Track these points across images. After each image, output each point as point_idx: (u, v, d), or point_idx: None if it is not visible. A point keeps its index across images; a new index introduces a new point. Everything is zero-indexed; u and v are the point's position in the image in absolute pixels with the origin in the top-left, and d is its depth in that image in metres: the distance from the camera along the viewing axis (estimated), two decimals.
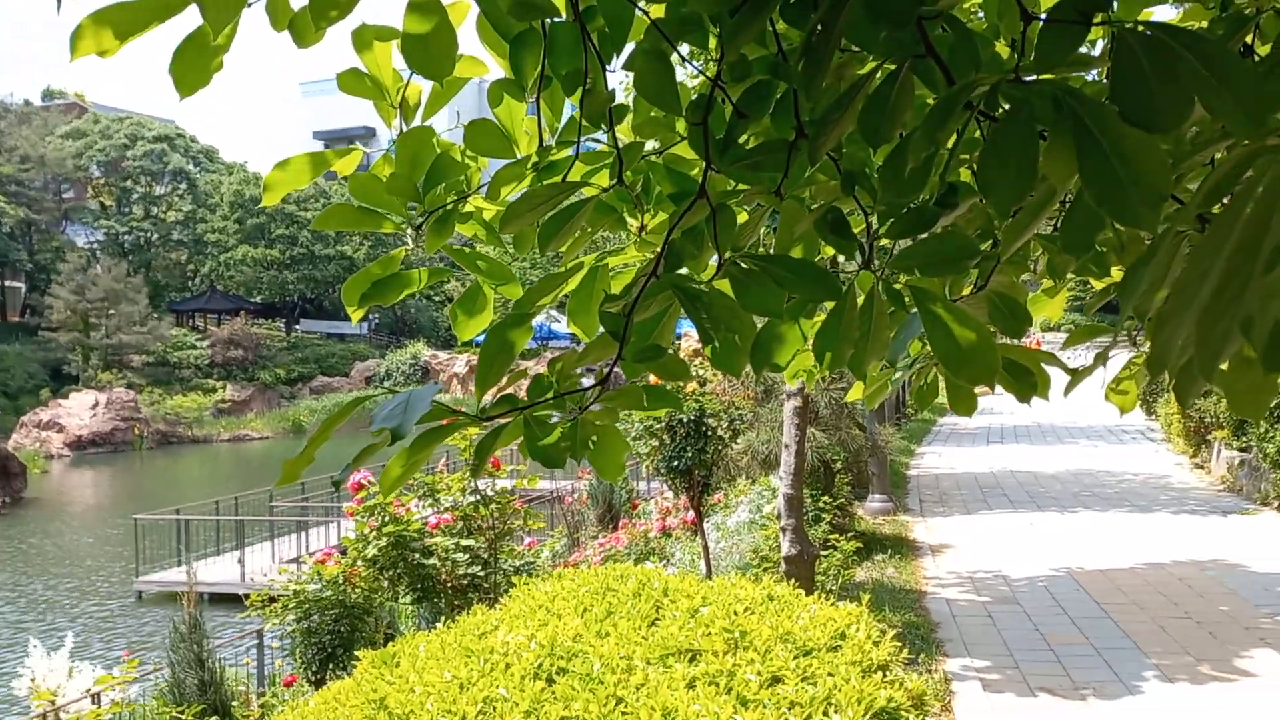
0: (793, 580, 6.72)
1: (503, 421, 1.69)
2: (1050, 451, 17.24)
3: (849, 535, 9.20)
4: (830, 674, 3.26)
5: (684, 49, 1.72)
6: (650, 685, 3.11)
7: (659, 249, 1.70)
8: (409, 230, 2.05)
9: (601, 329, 1.78)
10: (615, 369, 1.76)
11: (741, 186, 1.75)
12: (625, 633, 3.63)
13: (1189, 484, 13.54)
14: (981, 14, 2.23)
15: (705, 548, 8.52)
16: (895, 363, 2.36)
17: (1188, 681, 6.14)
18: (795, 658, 3.36)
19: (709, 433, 8.31)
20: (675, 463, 8.28)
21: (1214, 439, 13.77)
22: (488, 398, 1.69)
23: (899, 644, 4.04)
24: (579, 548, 13.42)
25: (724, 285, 1.83)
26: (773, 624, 3.65)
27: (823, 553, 7.82)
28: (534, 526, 8.89)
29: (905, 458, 16.54)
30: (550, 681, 3.27)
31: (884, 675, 3.47)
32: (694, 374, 8.18)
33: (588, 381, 1.69)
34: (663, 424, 8.25)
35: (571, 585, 4.53)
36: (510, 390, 1.71)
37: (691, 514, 10.78)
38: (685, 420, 8.25)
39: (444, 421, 1.61)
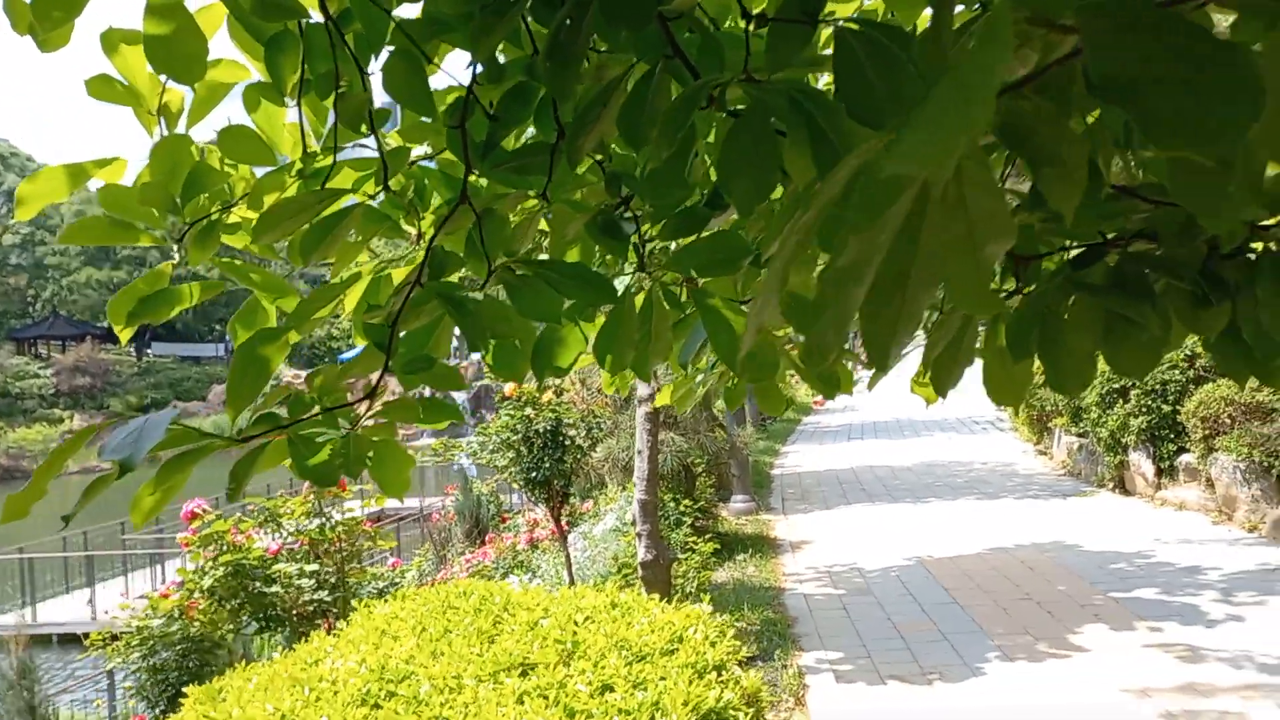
0: (649, 585, 6.75)
1: (260, 442, 1.62)
2: (906, 445, 17.86)
3: (710, 537, 9.30)
4: (663, 678, 3.26)
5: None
6: (479, 703, 3.05)
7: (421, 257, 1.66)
8: (174, 244, 1.95)
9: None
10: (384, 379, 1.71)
11: (506, 190, 1.73)
12: (460, 651, 3.55)
13: (1034, 470, 14.21)
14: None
15: (568, 558, 8.47)
16: (686, 365, 2.38)
17: (1026, 660, 6.42)
18: (628, 664, 3.35)
19: (567, 442, 8.28)
20: (534, 474, 8.21)
21: (1055, 426, 14.49)
22: (243, 418, 1.61)
23: (738, 642, 4.09)
24: (447, 565, 13.19)
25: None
26: (609, 632, 3.63)
27: (681, 556, 7.88)
28: (384, 546, 8.68)
29: (769, 457, 16.87)
30: (376, 707, 3.17)
31: (718, 675, 3.49)
32: (549, 384, 8.14)
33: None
34: (520, 435, 8.18)
35: (413, 605, 4.42)
36: (270, 409, 1.64)
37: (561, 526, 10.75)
38: (542, 431, 8.19)
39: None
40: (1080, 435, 13.41)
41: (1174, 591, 7.65)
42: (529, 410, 8.21)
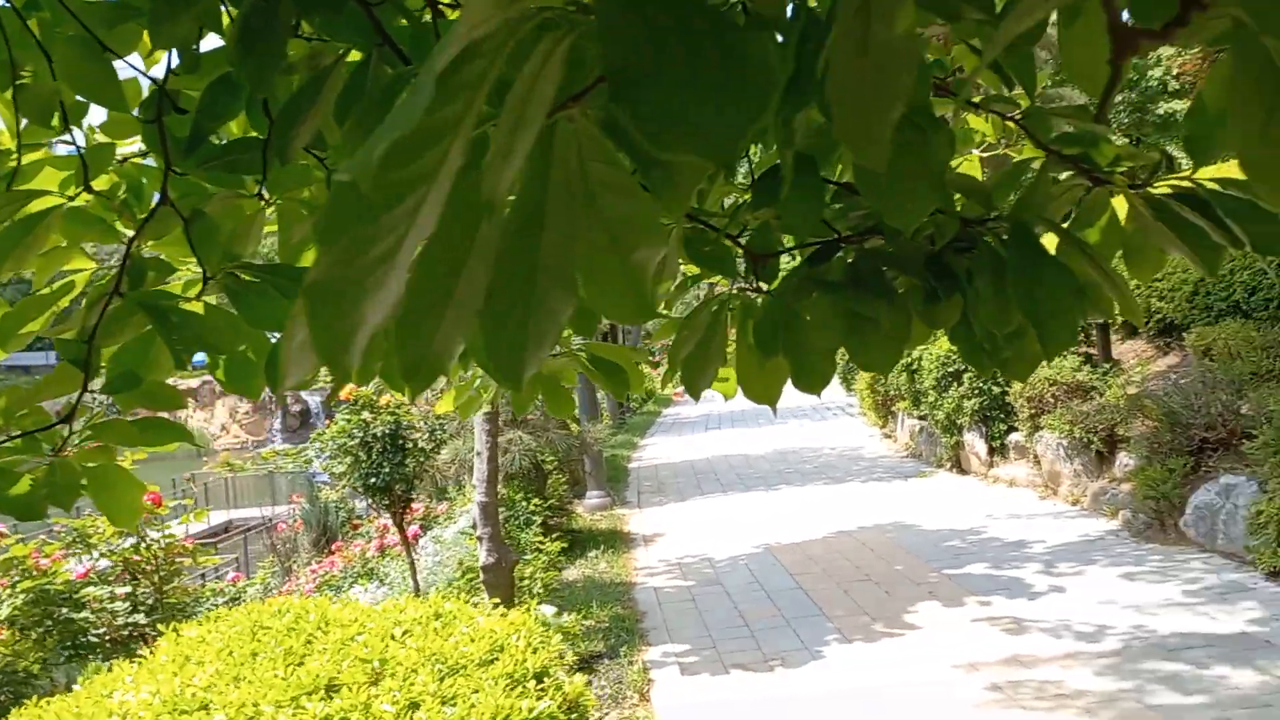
0: (491, 590, 6.63)
1: None
2: (762, 433, 18.20)
3: (558, 536, 9.22)
4: (475, 691, 3.16)
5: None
6: None
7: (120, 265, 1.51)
8: None
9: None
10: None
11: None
12: (263, 676, 3.37)
13: (879, 453, 14.67)
14: None
15: (413, 564, 8.26)
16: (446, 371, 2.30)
17: (863, 640, 6.57)
18: (440, 679, 3.23)
19: (408, 445, 8.06)
20: (373, 479, 7.96)
21: (898, 410, 14.99)
22: None
23: (565, 645, 4.02)
24: (293, 576, 12.73)
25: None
26: (421, 645, 3.50)
27: (527, 557, 7.79)
28: (208, 563, 8.28)
29: (627, 451, 16.92)
30: None
31: (538, 684, 3.42)
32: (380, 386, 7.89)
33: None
34: (357, 440, 7.91)
35: (223, 627, 4.18)
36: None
37: (412, 529, 10.48)
38: (381, 435, 7.95)
39: None
40: (920, 418, 13.90)
41: (1002, 566, 7.98)
42: (366, 414, 7.95)
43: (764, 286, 1.57)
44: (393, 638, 3.67)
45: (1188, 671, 5.48)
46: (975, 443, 11.92)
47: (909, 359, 13.81)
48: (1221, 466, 8.19)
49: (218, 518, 18.99)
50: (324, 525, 14.11)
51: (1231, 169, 1.40)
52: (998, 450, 11.66)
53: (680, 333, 1.57)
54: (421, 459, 8.20)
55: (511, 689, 3.24)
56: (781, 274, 1.64)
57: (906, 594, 7.49)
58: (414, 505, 10.72)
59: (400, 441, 7.93)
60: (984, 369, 1.70)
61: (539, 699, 3.23)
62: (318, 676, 3.27)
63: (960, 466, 12.41)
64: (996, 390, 11.53)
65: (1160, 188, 1.52)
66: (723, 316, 1.59)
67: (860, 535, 9.54)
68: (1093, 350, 12.28)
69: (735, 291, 1.61)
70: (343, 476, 8.15)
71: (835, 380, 20.00)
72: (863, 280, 1.51)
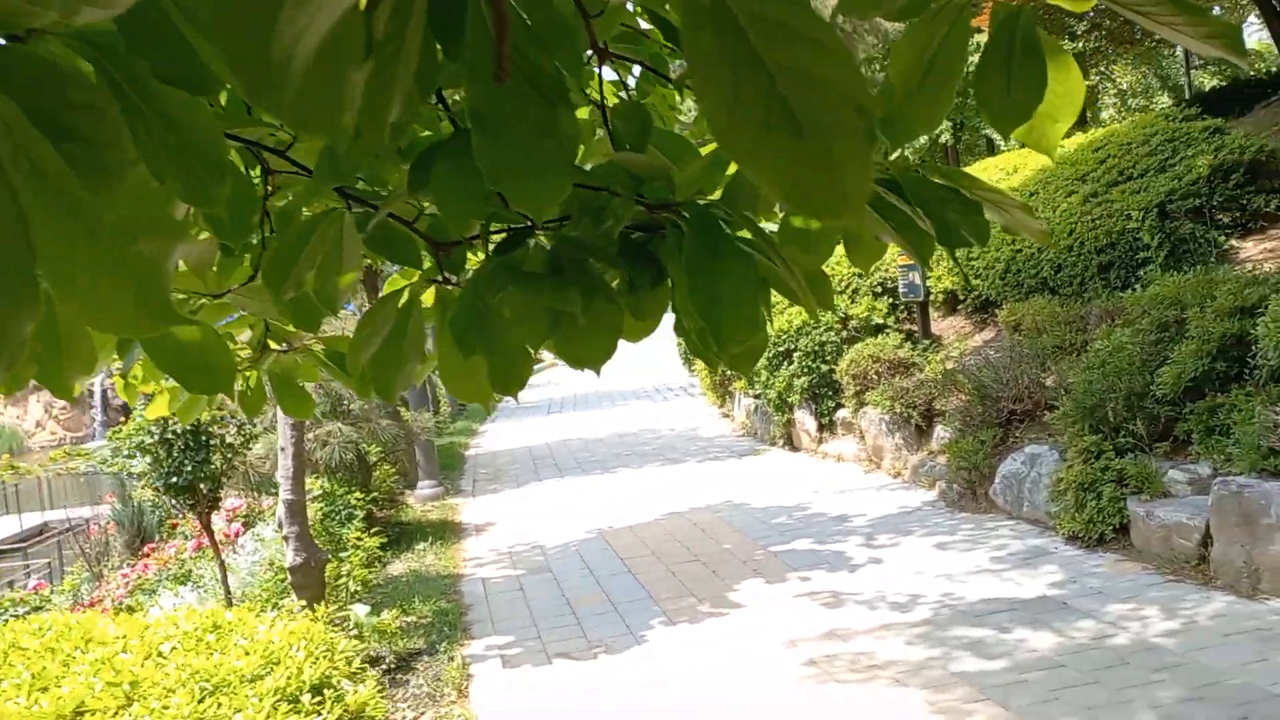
0: (300, 591, 6.32)
1: None
2: (602, 416, 18.18)
3: (378, 530, 8.91)
4: (238, 711, 2.94)
5: None
6: None
7: None
8: None
9: None
10: None
11: None
12: (2, 706, 3.05)
13: (717, 433, 14.85)
14: None
15: (223, 567, 7.81)
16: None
17: (688, 622, 6.58)
18: (199, 700, 2.99)
19: (214, 441, 7.60)
20: (175, 479, 7.47)
21: (735, 389, 15.19)
22: None
23: (352, 652, 3.82)
24: (103, 582, 11.95)
25: None
26: (184, 663, 3.24)
27: (343, 554, 7.49)
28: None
29: (465, 438, 16.62)
30: None
31: (316, 697, 3.21)
32: None
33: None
34: (155, 437, 7.41)
35: None
36: None
37: (234, 528, 9.97)
38: (182, 430, 7.47)
39: None
40: (756, 397, 14.13)
41: (825, 540, 8.15)
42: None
43: (453, 279, 1.43)
44: (160, 654, 3.39)
45: (991, 636, 5.69)
46: (806, 420, 12.19)
47: None
48: (1027, 437, 8.58)
49: (32, 520, 17.76)
50: (139, 526, 13.29)
51: (1016, 159, 1.34)
52: (827, 427, 11.95)
53: (360, 331, 1.41)
54: (230, 455, 7.76)
55: (283, 705, 3.03)
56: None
57: (733, 573, 7.55)
58: (235, 502, 10.21)
59: (204, 438, 7.46)
60: (711, 363, 1.62)
61: (314, 714, 3.02)
62: (63, 702, 2.98)
63: (792, 444, 12.68)
64: (825, 368, 11.81)
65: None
66: (414, 311, 1.44)
67: (692, 516, 9.59)
68: (914, 327, 12.72)
69: (425, 283, 1.46)
70: (143, 476, 7.63)
71: (677, 360, 20.21)
72: (563, 270, 1.39)
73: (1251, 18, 28.04)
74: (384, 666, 6.21)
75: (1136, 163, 11.48)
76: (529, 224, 1.37)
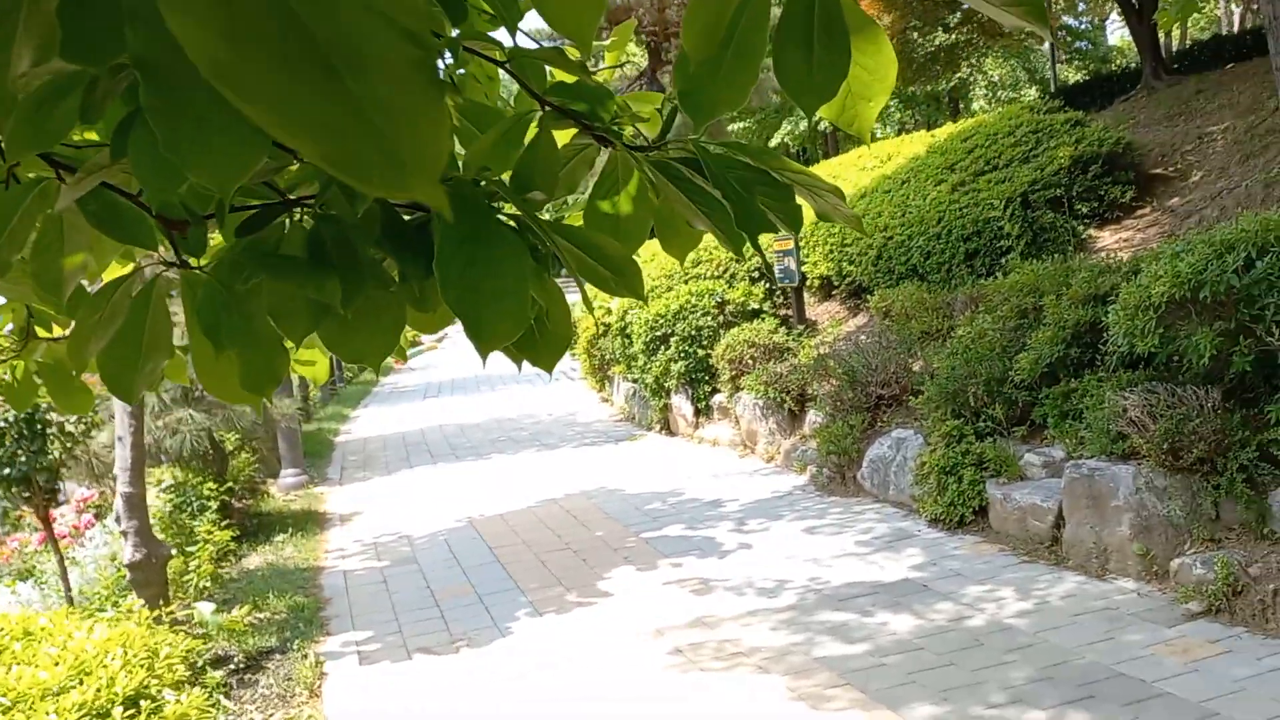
0: (140, 589, 5.95)
1: None
2: (480, 401, 17.88)
3: (229, 523, 8.51)
4: None
5: None
6: None
7: None
8: None
9: None
10: None
11: None
12: None
13: (595, 418, 14.75)
14: None
15: (62, 564, 7.31)
16: None
17: (555, 612, 6.45)
18: None
19: (51, 430, 7.10)
20: (7, 470, 6.96)
21: (613, 374, 15.10)
22: None
23: (177, 658, 3.56)
24: None
25: None
26: None
27: (192, 548, 7.10)
28: None
29: (336, 424, 16.12)
30: None
31: (130, 709, 2.96)
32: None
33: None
34: None
35: None
36: None
37: (85, 520, 9.41)
38: (16, 418, 6.96)
39: None
40: (634, 382, 14.06)
41: (697, 526, 8.13)
42: None
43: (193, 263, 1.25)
44: None
45: (854, 620, 5.73)
46: (682, 405, 12.18)
47: (620, 322, 13.93)
48: (894, 421, 8.72)
49: None
50: None
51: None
52: (703, 411, 11.96)
53: (80, 324, 1.22)
54: (70, 445, 7.26)
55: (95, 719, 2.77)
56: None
57: (603, 561, 7.45)
58: (87, 492, 9.63)
59: (40, 426, 6.96)
60: (515, 358, 1.47)
61: None
62: None
63: (669, 429, 12.66)
64: (701, 353, 11.81)
65: (674, 151, 1.33)
66: (153, 297, 1.26)
67: (566, 503, 9.46)
68: (790, 312, 12.83)
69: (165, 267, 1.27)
70: None
71: None
72: (327, 254, 1.22)
73: (1114, 15, 29.33)
74: (231, 666, 5.90)
75: (1002, 153, 11.80)
76: (282, 199, 1.20)
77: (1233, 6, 26.83)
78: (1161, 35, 20.56)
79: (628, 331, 13.27)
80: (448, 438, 14.19)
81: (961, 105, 31.20)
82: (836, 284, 13.21)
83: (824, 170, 17.58)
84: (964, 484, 7.13)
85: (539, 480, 10.58)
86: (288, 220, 1.26)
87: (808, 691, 4.88)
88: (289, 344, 1.31)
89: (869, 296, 11.63)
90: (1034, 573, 6.14)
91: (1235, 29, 23.59)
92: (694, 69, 1.12)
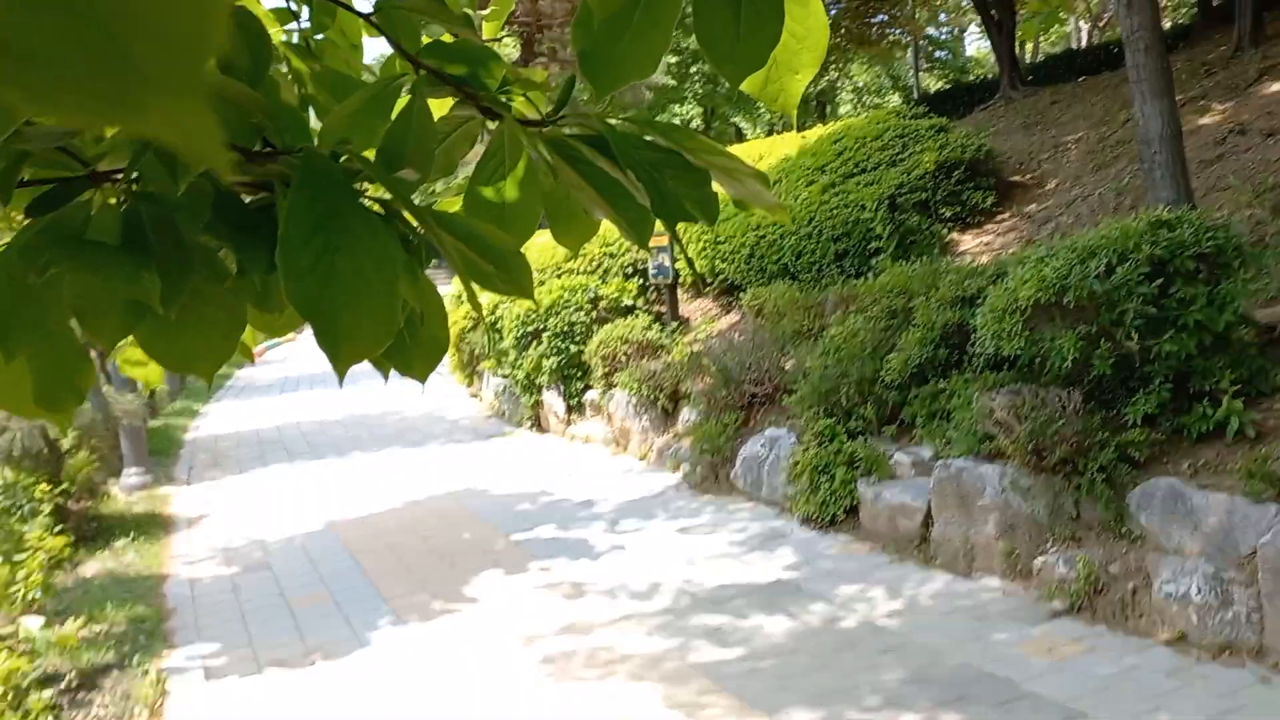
0: None
1: None
2: (342, 396, 17.19)
3: (85, 522, 7.90)
4: None
5: None
6: None
7: None
8: None
9: None
10: None
11: None
12: None
13: (463, 414, 14.37)
14: None
15: None
16: None
17: (418, 620, 6.16)
18: None
19: None
20: None
21: (483, 369, 14.75)
22: None
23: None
24: None
25: None
26: None
27: (19, 557, 6.50)
28: None
29: (185, 419, 15.26)
30: None
31: None
32: None
33: None
34: None
35: None
36: None
37: None
38: None
39: None
40: (505, 377, 13.77)
41: (569, 527, 7.94)
42: None
43: None
44: None
45: (728, 624, 5.65)
46: (554, 402, 11.96)
47: (491, 317, 13.61)
48: (768, 420, 8.73)
49: None
50: None
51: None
52: (575, 408, 11.77)
53: None
54: None
55: None
56: None
57: (471, 565, 7.19)
58: None
59: None
60: (382, 368, 1.26)
61: None
62: None
63: (540, 426, 12.43)
64: (574, 349, 11.62)
65: (572, 127, 1.14)
66: None
67: (432, 503, 9.13)
68: (662, 309, 12.77)
69: None
70: None
71: None
72: (147, 239, 0.99)
73: (973, 26, 30.49)
74: (62, 686, 5.41)
75: (870, 156, 12.00)
76: (88, 171, 0.96)
77: (1081, 24, 28.24)
78: (1017, 47, 21.40)
79: (498, 326, 12.97)
80: (306, 435, 13.58)
81: (829, 108, 31.89)
82: (709, 281, 13.23)
83: None
84: (836, 483, 7.16)
85: (403, 480, 10.20)
86: (97, 198, 1.02)
87: (683, 700, 4.76)
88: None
89: (741, 294, 11.66)
90: (904, 572, 6.19)
91: (1085, 44, 24.82)
92: (598, 26, 0.94)
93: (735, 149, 18.75)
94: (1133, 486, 5.44)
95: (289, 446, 12.81)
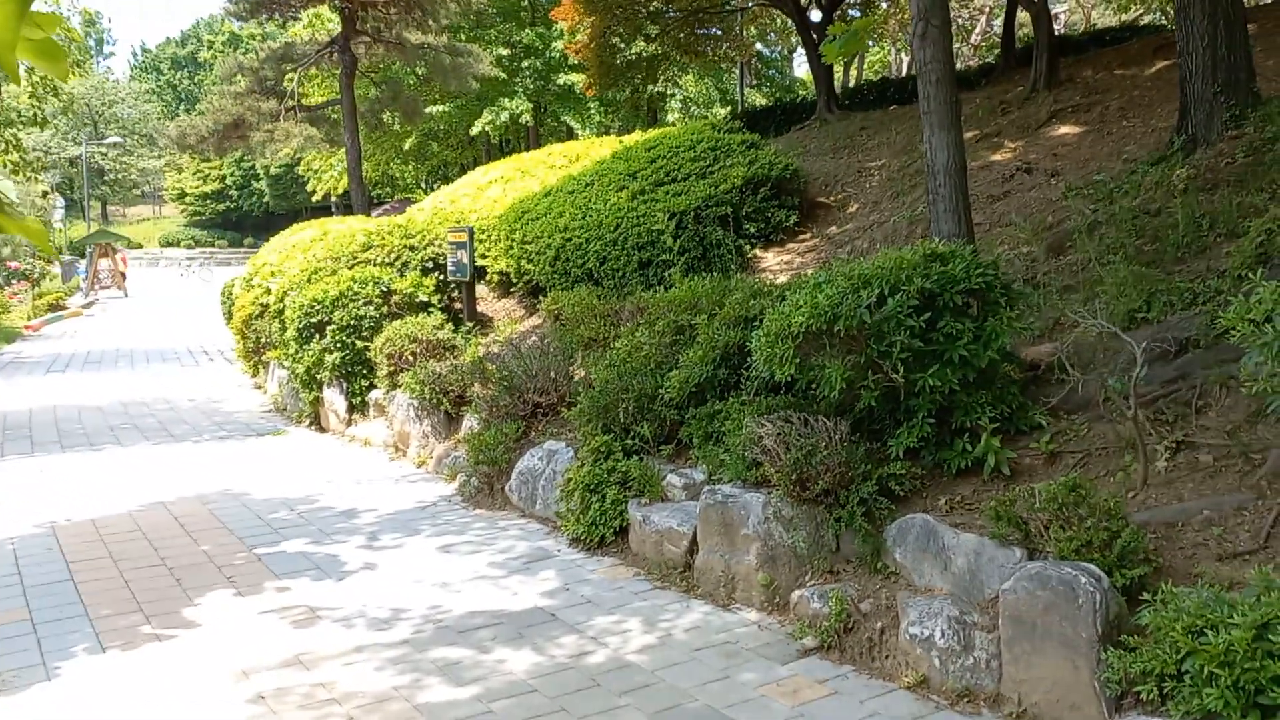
0: None
1: None
2: (115, 378, 15.82)
3: None
4: None
5: None
6: None
7: None
8: None
9: None
10: None
11: None
12: None
13: (241, 407, 13.38)
14: None
15: None
16: None
17: (121, 648, 5.42)
18: None
19: None
20: None
21: (269, 359, 13.80)
22: None
23: None
24: None
25: None
26: None
27: None
28: None
29: None
30: None
31: None
32: None
33: None
34: None
35: None
36: None
37: None
38: None
39: None
40: (289, 370, 12.91)
41: (324, 540, 7.32)
42: None
43: None
44: None
45: (469, 658, 5.21)
46: (335, 399, 11.22)
47: (279, 304, 12.74)
48: (549, 431, 8.35)
49: None
50: None
51: None
52: (358, 408, 11.09)
53: None
54: None
55: None
56: None
57: (201, 582, 6.47)
58: None
59: None
60: None
61: None
62: None
63: (320, 424, 11.66)
64: (361, 345, 10.94)
65: None
66: None
67: (178, 507, 8.29)
68: (459, 306, 12.25)
69: None
70: None
71: (220, 317, 18.20)
72: None
73: (801, 49, 31.13)
74: None
75: (682, 166, 11.84)
76: None
77: (902, 55, 29.32)
78: (839, 72, 21.88)
79: (285, 314, 12.12)
80: (59, 422, 12.30)
81: (659, 116, 31.95)
82: (515, 281, 12.79)
83: (514, 164, 17.16)
84: (607, 503, 6.84)
85: (155, 478, 9.28)
86: None
87: None
88: None
89: (544, 297, 11.28)
90: (664, 601, 5.92)
91: (902, 73, 25.68)
92: None
93: (557, 147, 18.35)
94: (891, 521, 5.34)
95: (36, 435, 11.53)
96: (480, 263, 13.14)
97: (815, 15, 18.89)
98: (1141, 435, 5.02)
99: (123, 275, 37.64)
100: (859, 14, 22.01)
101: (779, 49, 31.35)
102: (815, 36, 17.89)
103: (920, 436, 5.54)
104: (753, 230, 11.02)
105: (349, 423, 11.08)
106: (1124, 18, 26.28)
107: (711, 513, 6.00)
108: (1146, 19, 24.57)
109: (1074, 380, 5.59)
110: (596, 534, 6.80)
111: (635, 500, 6.75)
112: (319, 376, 11.24)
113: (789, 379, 5.75)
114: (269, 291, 13.38)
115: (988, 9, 32.44)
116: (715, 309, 7.36)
